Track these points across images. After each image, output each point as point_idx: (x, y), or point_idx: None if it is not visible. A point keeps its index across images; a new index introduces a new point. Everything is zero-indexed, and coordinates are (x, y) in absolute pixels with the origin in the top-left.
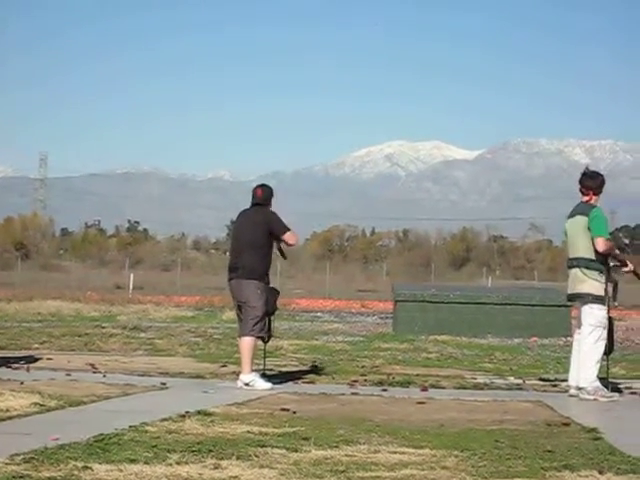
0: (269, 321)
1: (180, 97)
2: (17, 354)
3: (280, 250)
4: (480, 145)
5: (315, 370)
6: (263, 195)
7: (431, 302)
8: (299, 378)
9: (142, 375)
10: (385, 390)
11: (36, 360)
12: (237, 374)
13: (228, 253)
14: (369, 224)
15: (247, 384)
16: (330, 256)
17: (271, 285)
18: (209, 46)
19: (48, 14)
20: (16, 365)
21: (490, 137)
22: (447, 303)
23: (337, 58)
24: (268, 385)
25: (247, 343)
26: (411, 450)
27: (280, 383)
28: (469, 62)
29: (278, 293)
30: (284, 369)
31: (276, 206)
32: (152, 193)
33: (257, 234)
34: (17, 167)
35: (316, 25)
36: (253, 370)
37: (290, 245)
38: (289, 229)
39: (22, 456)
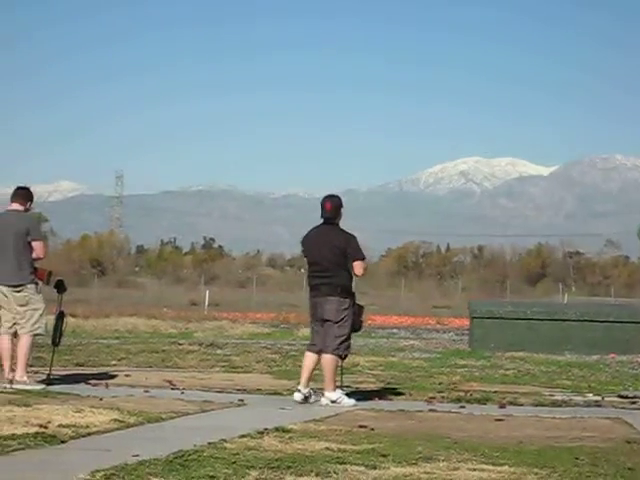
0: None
1: (256, 115)
2: (95, 371)
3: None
4: (555, 161)
5: (392, 387)
6: (332, 208)
7: (507, 319)
8: (376, 395)
9: (220, 392)
10: (463, 407)
11: (114, 377)
12: (315, 390)
13: (307, 271)
14: (444, 240)
15: (334, 401)
16: (405, 272)
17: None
18: (284, 64)
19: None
20: (95, 382)
21: (565, 153)
22: (524, 319)
23: (412, 75)
24: (353, 402)
25: (330, 361)
26: (490, 467)
27: (358, 400)
28: (545, 77)
29: (363, 309)
30: (361, 386)
31: (350, 223)
32: (227, 210)
33: (338, 256)
34: (93, 185)
35: (389, 41)
36: (337, 387)
37: (356, 275)
38: (362, 258)
39: (103, 472)
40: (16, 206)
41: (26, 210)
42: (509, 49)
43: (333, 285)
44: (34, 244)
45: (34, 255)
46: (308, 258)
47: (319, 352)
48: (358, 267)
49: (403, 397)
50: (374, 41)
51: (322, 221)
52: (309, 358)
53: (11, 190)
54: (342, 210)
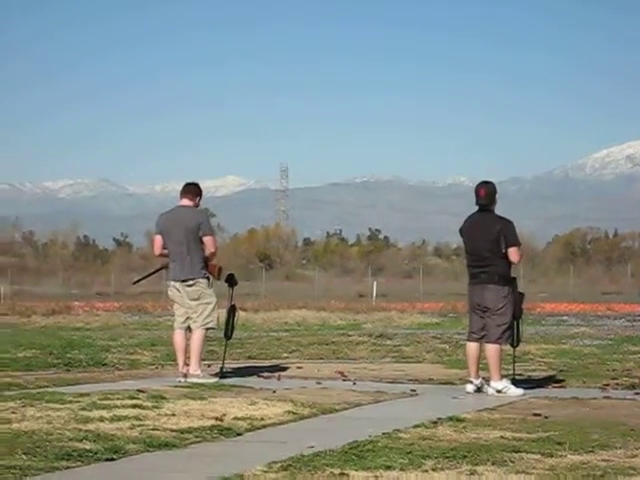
0: (517, 325)
1: (417, 105)
2: (267, 363)
3: None
4: None
5: (565, 374)
6: (487, 194)
7: None
8: (549, 383)
9: (391, 382)
10: (638, 394)
11: (286, 369)
12: (485, 379)
13: (465, 259)
14: (611, 226)
15: (499, 391)
16: (573, 259)
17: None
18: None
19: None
20: (267, 374)
21: None
22: None
23: (576, 61)
24: (520, 391)
25: (494, 351)
26: None
27: (530, 388)
28: None
29: (523, 296)
30: (533, 374)
31: (517, 211)
32: (392, 201)
33: (496, 243)
34: (259, 179)
35: (546, 31)
36: (503, 376)
37: (512, 261)
38: (518, 244)
39: (280, 464)
40: (186, 202)
41: (196, 205)
42: None
43: (491, 273)
44: (206, 239)
45: (206, 250)
46: (466, 247)
47: (479, 340)
48: (513, 253)
49: (576, 384)
50: (534, 34)
51: (477, 208)
52: (472, 347)
53: (181, 186)
54: (497, 196)
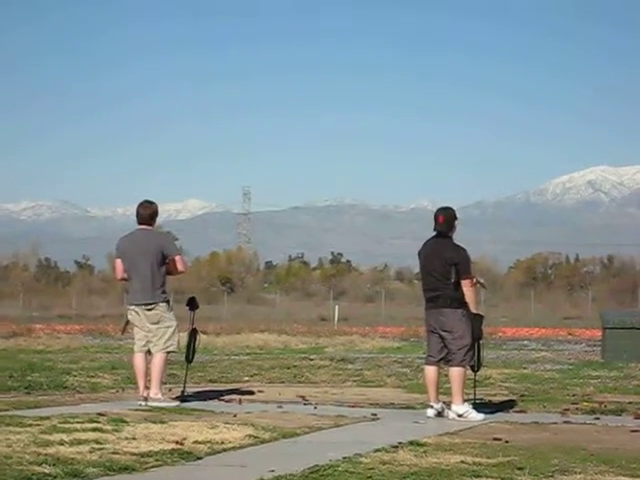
0: (478, 349)
1: (380, 128)
2: (228, 387)
3: (479, 282)
4: None
5: (525, 399)
6: (445, 220)
7: None
8: (510, 407)
9: (352, 406)
10: (597, 418)
11: (247, 393)
12: (445, 404)
13: (421, 284)
14: (572, 251)
15: (460, 415)
16: (534, 284)
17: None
18: (402, 79)
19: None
20: (228, 398)
21: None
22: None
23: (540, 85)
24: (481, 416)
25: (458, 374)
26: (628, 479)
27: (491, 413)
28: None
29: (482, 318)
30: (494, 398)
31: (479, 235)
32: (355, 225)
33: (448, 269)
34: (221, 202)
35: (519, 49)
36: (465, 401)
37: (465, 293)
38: (470, 277)
39: None
40: (145, 226)
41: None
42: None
43: (445, 297)
44: (176, 258)
45: (178, 269)
46: (421, 271)
47: (438, 363)
48: (467, 285)
49: (537, 409)
50: (507, 49)
51: (435, 234)
52: (430, 371)
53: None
54: (456, 223)
